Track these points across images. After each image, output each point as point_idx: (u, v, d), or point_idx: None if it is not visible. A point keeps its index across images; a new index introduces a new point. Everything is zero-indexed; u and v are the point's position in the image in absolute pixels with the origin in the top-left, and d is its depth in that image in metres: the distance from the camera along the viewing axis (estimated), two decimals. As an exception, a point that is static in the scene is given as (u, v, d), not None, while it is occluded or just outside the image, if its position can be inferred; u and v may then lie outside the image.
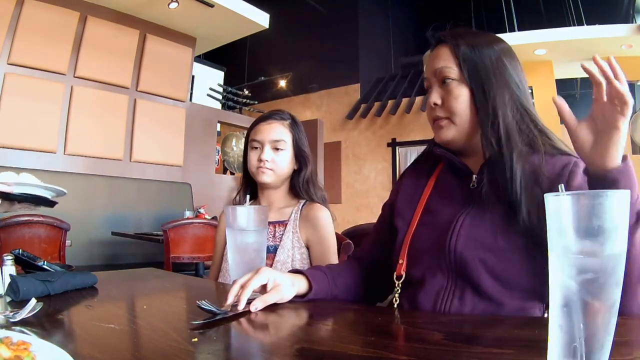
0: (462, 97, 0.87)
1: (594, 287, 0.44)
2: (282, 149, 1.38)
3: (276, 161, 1.38)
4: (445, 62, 0.88)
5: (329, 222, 1.38)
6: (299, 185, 1.42)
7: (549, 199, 0.47)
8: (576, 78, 7.30)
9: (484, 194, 0.84)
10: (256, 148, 1.41)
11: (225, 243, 1.27)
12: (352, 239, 1.45)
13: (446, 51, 0.89)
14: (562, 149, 0.85)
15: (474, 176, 0.89)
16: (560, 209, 0.45)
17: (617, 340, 0.45)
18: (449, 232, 0.85)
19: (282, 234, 1.37)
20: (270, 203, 1.45)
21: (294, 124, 1.44)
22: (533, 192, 0.79)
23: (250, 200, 1.50)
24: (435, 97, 0.90)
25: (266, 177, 1.38)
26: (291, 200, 1.45)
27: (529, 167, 0.81)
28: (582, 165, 0.80)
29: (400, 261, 0.91)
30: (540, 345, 0.51)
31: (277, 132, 1.39)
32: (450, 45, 0.89)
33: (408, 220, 0.95)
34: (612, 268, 0.44)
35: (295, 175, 1.44)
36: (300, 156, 1.42)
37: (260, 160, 1.38)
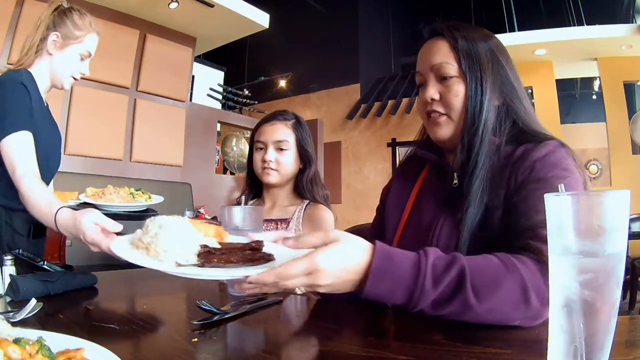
0: (461, 93, 0.86)
1: (594, 287, 0.44)
2: (285, 149, 1.40)
3: (280, 161, 1.40)
4: (445, 57, 0.86)
5: (331, 224, 1.40)
6: (303, 185, 1.44)
7: (549, 198, 0.47)
8: (576, 78, 7.30)
9: (465, 192, 0.83)
10: (260, 149, 1.42)
11: None
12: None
13: (444, 45, 0.87)
14: (531, 139, 0.83)
15: (455, 174, 0.88)
16: (560, 209, 0.45)
17: (617, 340, 0.45)
18: (430, 234, 0.85)
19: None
20: (274, 201, 1.47)
21: (297, 124, 1.45)
22: (490, 193, 0.79)
23: (254, 199, 1.51)
24: (432, 92, 0.88)
25: (271, 178, 1.40)
26: (295, 199, 1.47)
27: (496, 165, 0.81)
28: (543, 147, 0.79)
29: None
30: (540, 345, 0.51)
31: (280, 132, 1.41)
32: (447, 39, 0.87)
33: (395, 224, 0.95)
34: (612, 268, 0.44)
35: (299, 175, 1.46)
36: (304, 156, 1.44)
37: (264, 161, 1.40)
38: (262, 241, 0.71)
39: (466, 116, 0.84)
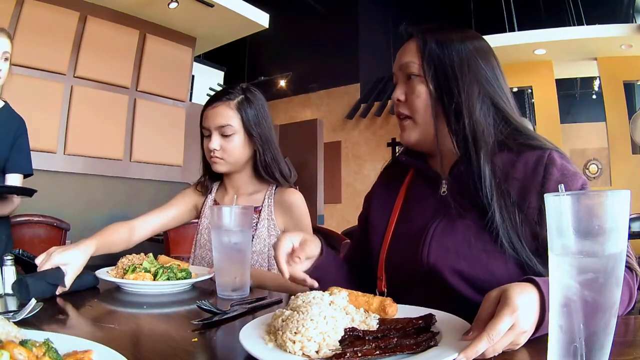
0: (423, 94, 0.84)
1: (594, 287, 0.44)
2: (230, 134, 1.28)
3: (226, 149, 1.28)
4: (411, 57, 0.86)
5: (303, 206, 1.34)
6: (262, 170, 1.32)
7: (549, 199, 0.47)
8: (576, 78, 7.30)
9: (454, 200, 0.81)
10: (207, 136, 1.32)
11: (180, 212, 1.41)
12: (352, 239, 1.45)
13: (413, 46, 0.87)
14: (532, 144, 0.82)
15: (444, 182, 0.87)
16: (560, 209, 0.45)
17: (617, 340, 0.45)
18: (420, 243, 0.82)
19: (257, 222, 1.30)
20: (236, 188, 1.38)
21: (244, 102, 1.30)
22: (503, 192, 0.77)
23: (215, 182, 1.44)
24: (398, 93, 0.88)
25: (219, 167, 1.31)
26: (259, 184, 1.37)
27: (500, 167, 0.79)
28: (557, 158, 0.78)
29: (380, 276, 0.89)
30: (540, 345, 0.51)
31: (222, 116, 1.28)
32: (417, 40, 0.87)
33: (382, 234, 0.92)
34: (612, 268, 0.44)
35: (255, 157, 1.33)
36: (253, 138, 1.30)
37: (209, 149, 1.29)
38: (434, 316, 0.60)
39: (447, 119, 0.82)
